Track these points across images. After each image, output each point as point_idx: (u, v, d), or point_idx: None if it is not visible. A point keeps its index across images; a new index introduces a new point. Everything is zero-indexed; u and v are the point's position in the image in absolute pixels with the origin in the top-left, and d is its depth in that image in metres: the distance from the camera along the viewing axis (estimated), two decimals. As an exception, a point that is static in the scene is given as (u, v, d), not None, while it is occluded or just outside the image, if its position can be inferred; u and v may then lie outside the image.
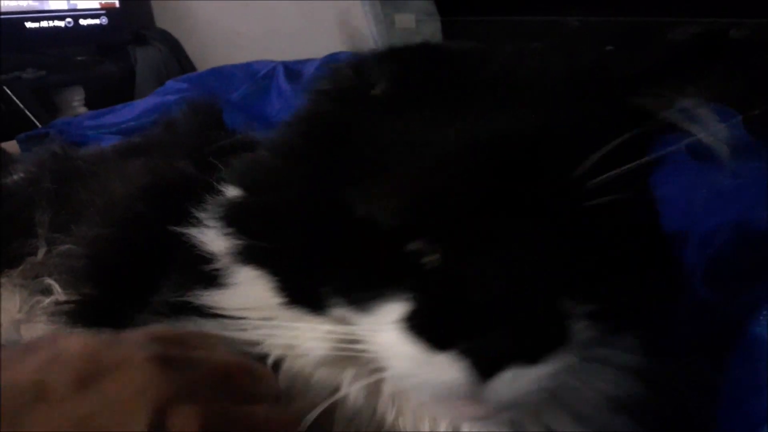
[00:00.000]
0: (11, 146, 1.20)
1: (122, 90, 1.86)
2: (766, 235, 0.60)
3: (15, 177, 0.78)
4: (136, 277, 0.53)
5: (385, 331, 0.33)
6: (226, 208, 0.43)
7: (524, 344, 0.31)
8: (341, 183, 0.35)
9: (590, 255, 0.33)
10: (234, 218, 0.42)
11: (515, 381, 0.31)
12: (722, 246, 0.61)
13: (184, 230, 0.45)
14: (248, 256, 0.40)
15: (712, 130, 0.38)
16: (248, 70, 1.49)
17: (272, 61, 1.48)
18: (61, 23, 1.85)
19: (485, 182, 0.32)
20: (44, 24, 1.82)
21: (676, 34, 1.11)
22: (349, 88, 0.40)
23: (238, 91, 1.40)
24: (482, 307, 0.31)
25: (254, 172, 0.45)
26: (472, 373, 0.30)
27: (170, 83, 1.51)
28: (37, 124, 1.52)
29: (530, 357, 0.31)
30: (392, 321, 0.32)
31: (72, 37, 1.89)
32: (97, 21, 1.91)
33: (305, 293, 0.37)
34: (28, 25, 1.78)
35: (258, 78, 1.43)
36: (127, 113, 1.37)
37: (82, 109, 1.79)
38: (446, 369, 0.31)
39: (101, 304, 0.57)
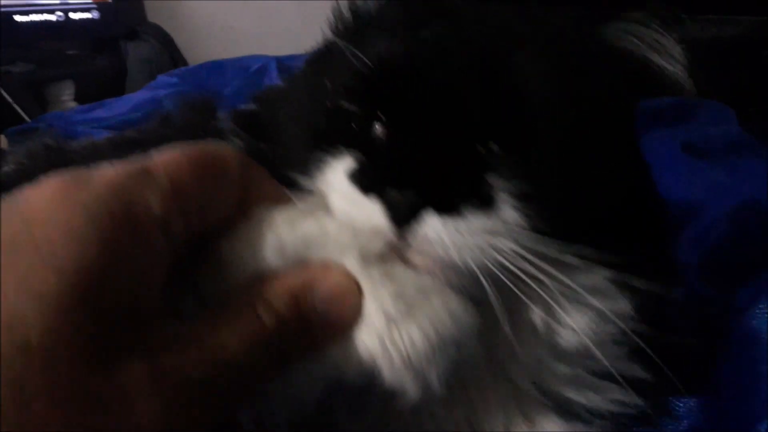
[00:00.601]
0: (1, 140, 1.19)
1: (113, 85, 1.84)
2: (762, 230, 0.60)
3: (5, 168, 0.76)
4: None
5: (336, 175, 0.38)
6: (239, 115, 0.54)
7: (437, 195, 0.34)
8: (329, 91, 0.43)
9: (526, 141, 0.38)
10: (242, 122, 0.50)
11: (435, 230, 0.33)
12: (717, 241, 0.61)
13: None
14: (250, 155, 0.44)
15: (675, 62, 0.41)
16: (240, 65, 1.48)
17: (265, 56, 1.47)
18: (52, 17, 1.83)
19: (417, 78, 0.39)
20: (34, 17, 1.80)
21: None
22: (346, 26, 0.53)
23: (230, 86, 1.39)
24: (408, 165, 0.35)
25: (266, 93, 0.58)
26: (388, 217, 0.34)
27: (161, 78, 1.50)
28: (26, 118, 1.50)
29: (443, 206, 0.34)
30: (342, 170, 0.38)
31: (63, 31, 1.87)
32: (88, 15, 1.90)
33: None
34: (18, 18, 1.77)
35: (250, 73, 1.42)
36: (117, 108, 1.36)
37: (73, 104, 1.77)
38: (369, 211, 0.35)
39: None
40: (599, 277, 0.40)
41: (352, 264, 0.32)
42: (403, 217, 0.34)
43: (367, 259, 0.33)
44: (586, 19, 0.43)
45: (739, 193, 0.66)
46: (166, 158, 0.32)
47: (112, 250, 0.27)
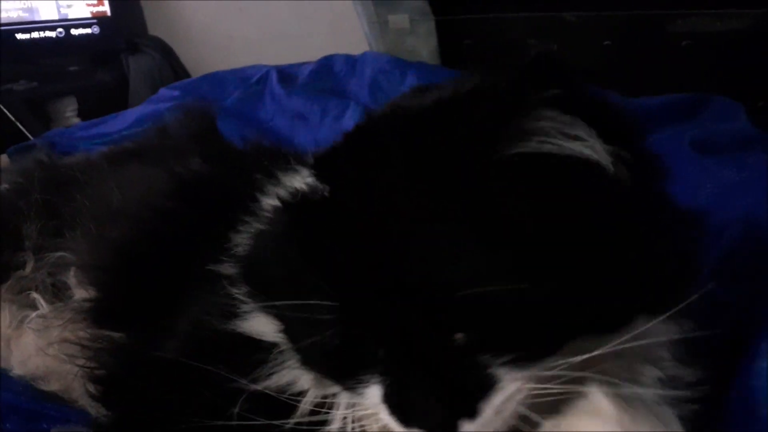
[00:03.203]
0: (2, 160, 1.19)
1: (116, 99, 1.84)
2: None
3: (0, 188, 0.76)
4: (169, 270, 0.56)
5: (379, 409, 0.40)
6: None
7: (460, 405, 0.38)
8: None
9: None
10: None
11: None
12: (731, 242, 0.59)
13: None
14: None
15: None
16: (241, 75, 1.47)
17: (265, 66, 1.46)
18: (53, 34, 1.83)
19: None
20: (35, 35, 1.81)
21: (675, 27, 1.09)
22: None
23: (231, 97, 1.39)
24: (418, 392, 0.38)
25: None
26: None
27: (163, 91, 1.50)
28: (29, 136, 1.50)
29: (467, 412, 0.37)
30: (378, 401, 0.40)
31: (64, 48, 1.87)
32: (88, 30, 1.90)
33: None
34: (19, 36, 1.77)
35: (251, 83, 1.41)
36: (119, 123, 1.35)
37: (76, 120, 1.78)
38: None
39: (127, 304, 0.59)
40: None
41: None
42: None
43: None
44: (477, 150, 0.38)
45: (750, 191, 0.65)
46: None
47: None
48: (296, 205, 0.43)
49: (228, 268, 0.49)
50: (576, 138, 0.37)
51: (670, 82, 1.04)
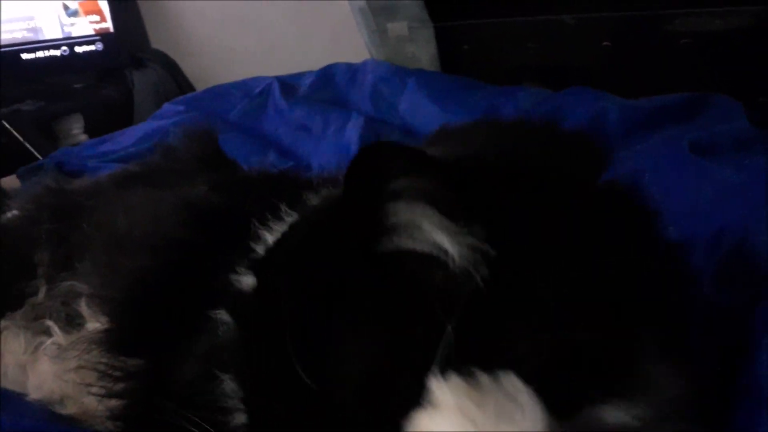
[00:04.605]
0: (12, 181, 1.20)
1: (121, 114, 1.86)
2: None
3: (9, 215, 0.77)
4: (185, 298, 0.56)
5: None
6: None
7: None
8: None
9: None
10: None
11: None
12: (731, 247, 0.59)
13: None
14: None
15: None
16: (244, 87, 1.48)
17: (267, 78, 1.47)
18: (57, 52, 1.85)
19: None
20: (40, 54, 1.82)
21: (674, 26, 1.09)
22: None
23: (234, 110, 1.40)
24: None
25: None
26: None
27: (167, 106, 1.51)
28: (38, 156, 1.52)
29: None
30: None
31: (69, 66, 1.89)
32: (92, 47, 1.91)
33: None
34: (24, 56, 1.79)
35: (254, 95, 1.42)
36: (125, 140, 1.37)
37: (83, 137, 1.79)
38: None
39: (143, 333, 0.59)
40: None
41: None
42: None
43: None
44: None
45: (749, 194, 0.65)
46: None
47: None
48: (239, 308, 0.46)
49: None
50: (420, 229, 0.36)
51: (670, 81, 1.04)
